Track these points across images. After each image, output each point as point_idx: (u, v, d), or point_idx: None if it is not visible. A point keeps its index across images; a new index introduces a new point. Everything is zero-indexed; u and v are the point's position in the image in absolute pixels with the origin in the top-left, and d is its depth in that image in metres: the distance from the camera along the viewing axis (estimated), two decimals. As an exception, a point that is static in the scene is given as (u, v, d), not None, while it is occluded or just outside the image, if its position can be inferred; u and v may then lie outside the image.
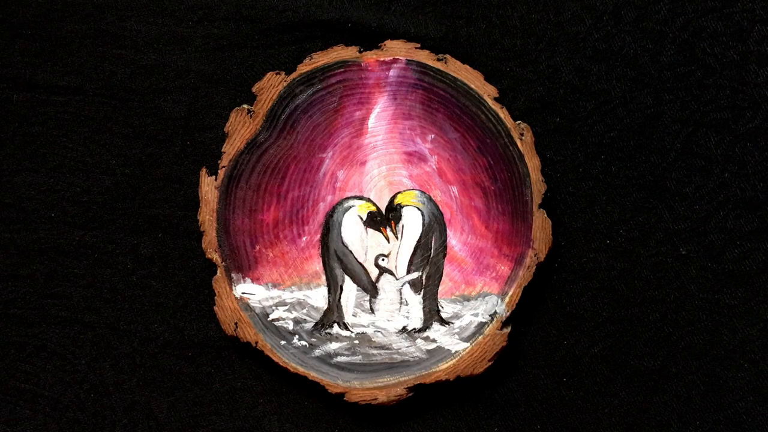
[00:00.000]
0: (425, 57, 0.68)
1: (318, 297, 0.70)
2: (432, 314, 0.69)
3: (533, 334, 0.70)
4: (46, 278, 0.71)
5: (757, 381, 0.69)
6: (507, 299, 0.68)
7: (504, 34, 0.71)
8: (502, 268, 0.69)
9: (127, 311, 0.71)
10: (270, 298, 0.69)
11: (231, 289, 0.68)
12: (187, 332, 0.70)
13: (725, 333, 0.70)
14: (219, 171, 0.68)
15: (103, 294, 0.71)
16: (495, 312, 0.68)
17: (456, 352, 0.68)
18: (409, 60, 0.69)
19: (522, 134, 0.68)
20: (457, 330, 0.69)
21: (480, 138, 0.69)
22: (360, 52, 0.69)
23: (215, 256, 0.68)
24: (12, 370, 0.71)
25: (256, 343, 0.68)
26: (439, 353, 0.68)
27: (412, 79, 0.69)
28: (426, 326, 0.69)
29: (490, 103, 0.68)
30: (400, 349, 0.69)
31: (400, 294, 0.70)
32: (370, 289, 0.70)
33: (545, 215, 0.68)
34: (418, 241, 0.70)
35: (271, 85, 0.68)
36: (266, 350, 0.68)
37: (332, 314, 0.69)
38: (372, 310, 0.70)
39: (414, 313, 0.70)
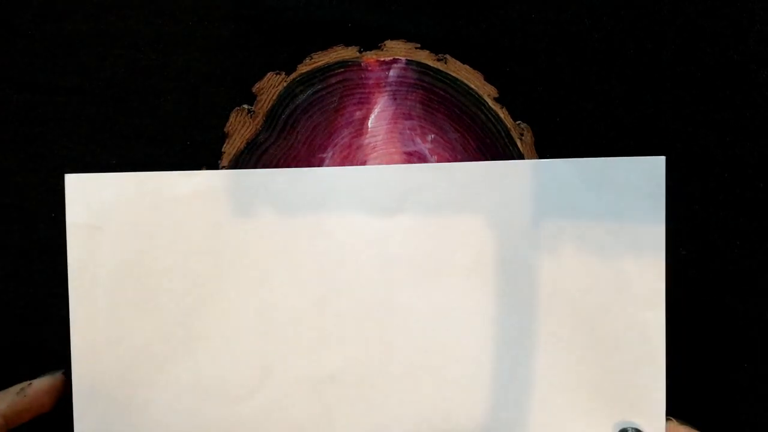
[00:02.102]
0: (425, 57, 0.68)
1: (318, 297, 0.70)
2: (432, 314, 0.69)
3: (533, 334, 0.70)
4: (46, 278, 0.71)
5: (757, 381, 0.69)
6: (507, 299, 0.68)
7: (504, 34, 0.71)
8: (502, 268, 0.69)
9: (127, 311, 0.71)
10: (270, 298, 0.69)
11: (231, 289, 0.68)
12: (187, 332, 0.70)
13: (725, 333, 0.70)
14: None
15: (103, 294, 0.71)
16: (495, 312, 0.68)
17: (456, 352, 0.68)
18: (409, 60, 0.68)
19: (522, 134, 0.68)
20: (457, 330, 0.69)
21: (480, 138, 0.69)
22: (360, 52, 0.69)
23: (215, 256, 0.68)
24: (13, 369, 0.71)
25: (256, 343, 0.68)
26: (439, 353, 0.68)
27: (412, 79, 0.69)
28: (426, 326, 0.69)
29: (490, 103, 0.68)
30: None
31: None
32: (370, 289, 0.70)
33: (545, 215, 0.68)
34: (418, 241, 0.70)
35: (271, 85, 0.68)
36: (266, 350, 0.68)
37: (332, 314, 0.69)
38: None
39: (414, 313, 0.69)
